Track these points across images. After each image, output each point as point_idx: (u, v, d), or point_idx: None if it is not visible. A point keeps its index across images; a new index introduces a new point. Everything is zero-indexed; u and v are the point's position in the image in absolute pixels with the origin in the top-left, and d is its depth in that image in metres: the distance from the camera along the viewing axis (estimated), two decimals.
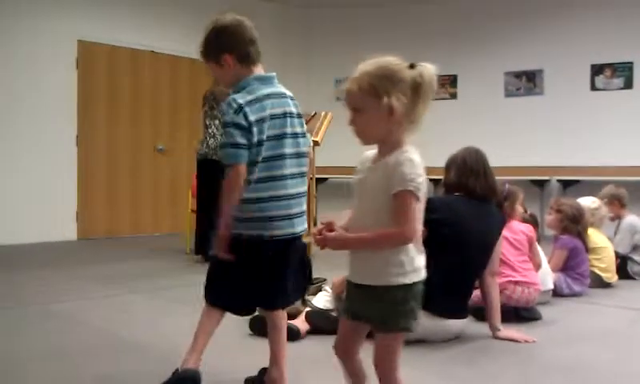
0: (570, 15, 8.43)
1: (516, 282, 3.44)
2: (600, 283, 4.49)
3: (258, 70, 2.14)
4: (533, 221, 4.19)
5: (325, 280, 3.80)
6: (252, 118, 2.01)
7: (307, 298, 3.34)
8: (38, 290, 4.22)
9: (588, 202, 4.70)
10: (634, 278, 4.88)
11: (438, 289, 2.90)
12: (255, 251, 2.07)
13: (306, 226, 2.17)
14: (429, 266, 2.85)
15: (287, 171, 2.08)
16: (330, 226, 1.62)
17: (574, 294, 4.09)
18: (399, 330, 1.62)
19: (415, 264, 1.64)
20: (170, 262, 5.52)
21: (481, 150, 3.13)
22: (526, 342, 2.99)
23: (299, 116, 2.18)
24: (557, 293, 3.98)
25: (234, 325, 2.95)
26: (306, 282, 2.40)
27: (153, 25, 7.88)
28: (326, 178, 8.87)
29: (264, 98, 2.06)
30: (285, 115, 2.10)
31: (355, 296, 1.68)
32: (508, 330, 3.07)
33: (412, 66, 1.58)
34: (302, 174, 2.15)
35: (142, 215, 7.87)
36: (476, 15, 8.85)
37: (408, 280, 1.61)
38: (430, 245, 2.88)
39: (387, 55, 1.62)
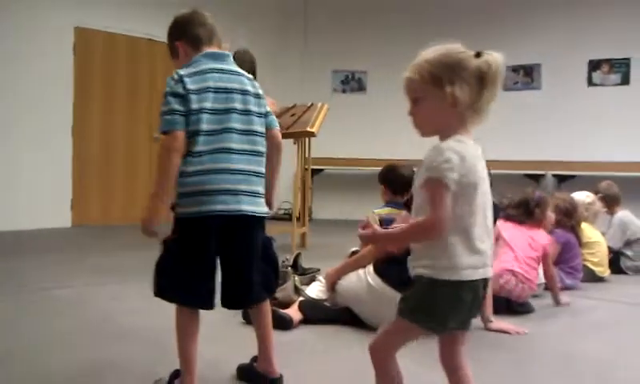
0: (568, 11, 8.44)
1: (514, 273, 3.46)
2: (592, 277, 4.52)
3: (211, 49, 2.11)
4: None
5: (318, 270, 3.82)
6: (190, 86, 1.96)
7: (300, 287, 3.36)
8: (33, 276, 4.23)
9: (582, 196, 4.73)
10: (626, 273, 4.91)
11: None
12: (193, 231, 1.96)
13: (260, 208, 2.04)
14: None
15: (234, 146, 1.99)
16: (367, 224, 1.57)
17: (567, 288, 4.11)
18: (400, 315, 1.56)
19: (455, 260, 1.48)
20: None
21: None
22: (518, 333, 3.01)
23: (257, 96, 2.10)
24: (547, 286, 4.00)
25: (226, 312, 2.96)
26: (275, 279, 2.19)
27: (150, 12, 7.84)
28: (322, 170, 8.87)
29: (209, 71, 2.02)
30: (233, 91, 2.03)
31: None
32: (500, 322, 3.09)
33: (478, 55, 1.51)
34: (254, 152, 2.04)
35: (136, 204, 7.86)
36: (474, 9, 8.84)
37: (435, 275, 1.49)
38: None
39: (450, 43, 1.55)
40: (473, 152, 1.52)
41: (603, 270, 4.60)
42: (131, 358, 2.48)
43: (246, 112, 2.05)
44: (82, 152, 7.36)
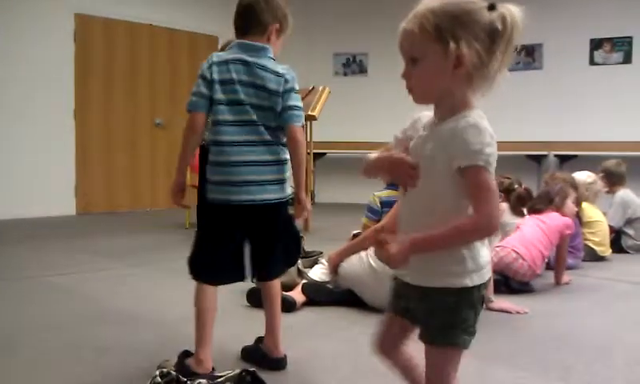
0: None
1: (516, 250, 3.49)
2: (594, 256, 4.54)
3: (249, 40, 2.13)
4: (527, 195, 4.23)
5: (321, 253, 3.85)
6: (216, 76, 2.05)
7: (303, 270, 3.40)
8: (38, 263, 4.27)
9: (583, 176, 4.74)
10: (627, 252, 4.94)
11: None
12: (222, 217, 2.09)
13: (283, 194, 2.14)
14: None
15: (257, 138, 2.06)
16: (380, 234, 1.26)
17: (568, 267, 4.13)
18: (447, 345, 1.29)
19: (479, 260, 1.27)
20: (170, 236, 5.57)
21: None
22: (518, 313, 3.05)
23: (278, 93, 2.08)
24: (550, 265, 4.03)
25: (231, 296, 3.00)
26: (297, 252, 2.36)
27: None
28: (324, 153, 8.88)
29: (234, 62, 2.07)
30: (251, 85, 2.07)
31: (401, 291, 1.37)
32: (501, 301, 3.12)
33: (492, 7, 1.24)
34: (275, 143, 2.10)
35: (140, 190, 7.91)
36: None
37: (469, 281, 1.26)
38: None
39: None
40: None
41: (604, 250, 4.63)
42: (135, 342, 2.52)
43: (261, 108, 2.08)
44: (84, 140, 7.38)
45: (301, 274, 3.38)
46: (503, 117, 8.23)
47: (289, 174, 2.17)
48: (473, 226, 1.21)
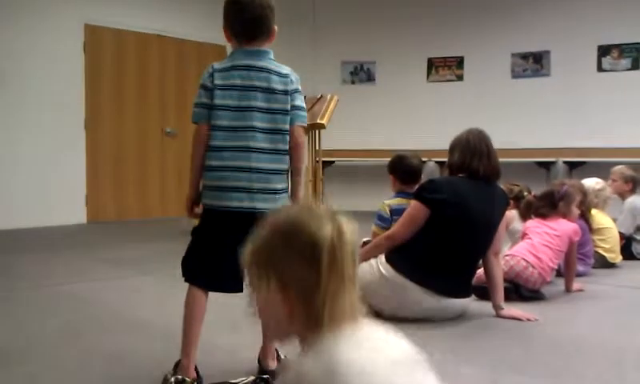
0: None
1: (525, 258, 3.49)
2: (604, 263, 4.53)
3: (252, 47, 2.11)
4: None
5: None
6: (217, 82, 2.05)
7: None
8: (50, 272, 4.30)
9: (592, 182, 4.73)
10: (637, 259, 4.91)
11: (441, 269, 2.97)
12: (214, 221, 2.09)
13: (274, 204, 2.06)
14: (432, 246, 2.94)
15: (253, 144, 2.05)
16: None
17: (578, 274, 4.12)
18: None
19: None
20: (181, 245, 5.57)
21: (484, 131, 3.15)
22: (529, 320, 3.04)
23: (286, 93, 2.09)
24: (561, 272, 4.02)
25: (244, 304, 3.01)
26: None
27: (160, 8, 7.91)
28: (333, 161, 8.89)
29: (238, 68, 2.07)
30: (258, 89, 2.06)
31: None
32: (511, 309, 3.12)
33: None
34: (274, 151, 2.08)
35: (150, 198, 7.95)
36: None
37: None
38: (433, 225, 2.97)
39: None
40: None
41: (615, 256, 4.61)
42: (148, 349, 2.54)
43: (270, 111, 2.08)
44: (95, 149, 7.43)
45: None
46: (511, 124, 8.28)
47: (286, 185, 2.14)
48: None
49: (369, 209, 4.15)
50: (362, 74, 9.52)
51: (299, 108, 2.13)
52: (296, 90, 2.13)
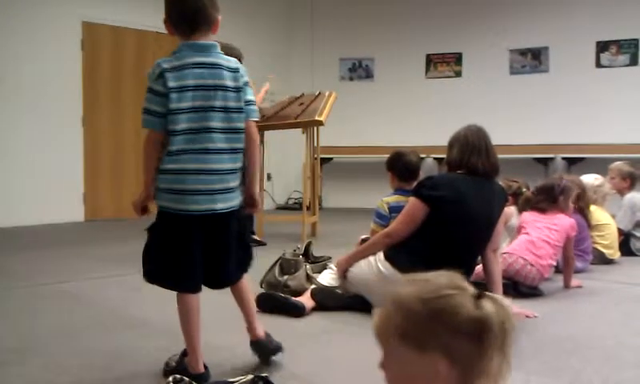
0: None
1: (523, 256, 3.49)
2: (602, 260, 4.53)
3: (197, 39, 2.06)
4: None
5: (330, 258, 3.87)
6: (171, 84, 1.96)
7: (312, 275, 3.41)
8: (49, 270, 4.30)
9: (591, 179, 4.73)
10: (636, 255, 4.92)
11: (440, 266, 2.96)
12: (172, 224, 2.06)
13: (232, 203, 2.09)
14: (431, 243, 2.93)
15: (210, 145, 2.01)
16: None
17: (577, 271, 4.13)
18: None
19: None
20: None
21: (483, 127, 3.14)
22: (527, 317, 3.04)
23: (237, 89, 2.06)
24: (559, 269, 4.03)
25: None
26: (249, 260, 2.26)
27: (157, 6, 7.82)
28: (331, 158, 8.90)
29: (190, 66, 2.00)
30: (214, 87, 2.01)
31: None
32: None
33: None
34: (231, 150, 2.06)
35: None
36: None
37: None
38: (432, 222, 2.96)
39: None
40: None
41: (613, 253, 4.61)
42: (147, 347, 2.53)
43: (225, 109, 2.04)
44: (92, 146, 7.42)
45: (310, 279, 3.39)
46: (510, 120, 8.27)
47: (239, 182, 2.13)
48: None
49: (367, 206, 4.15)
50: (360, 70, 9.51)
51: (251, 102, 2.12)
52: (246, 83, 2.11)
